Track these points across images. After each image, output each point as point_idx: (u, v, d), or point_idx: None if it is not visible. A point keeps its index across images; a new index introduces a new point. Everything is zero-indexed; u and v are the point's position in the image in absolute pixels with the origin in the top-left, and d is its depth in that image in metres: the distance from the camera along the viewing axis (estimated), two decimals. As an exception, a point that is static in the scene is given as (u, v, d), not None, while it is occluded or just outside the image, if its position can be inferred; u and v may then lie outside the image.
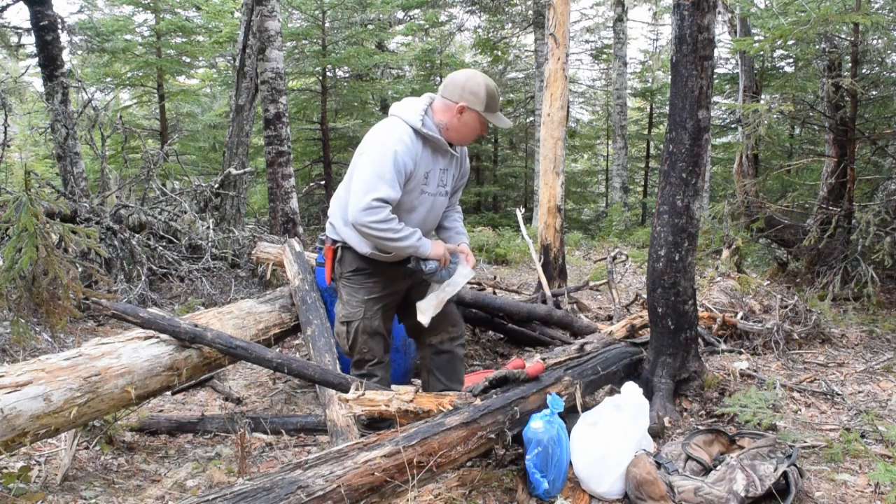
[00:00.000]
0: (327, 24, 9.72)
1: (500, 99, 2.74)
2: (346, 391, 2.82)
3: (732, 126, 10.77)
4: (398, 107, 2.76)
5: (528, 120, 14.92)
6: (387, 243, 2.61)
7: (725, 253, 5.72)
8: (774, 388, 3.37)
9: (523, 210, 6.91)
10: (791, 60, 8.88)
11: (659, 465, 2.47)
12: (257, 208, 10.63)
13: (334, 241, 2.86)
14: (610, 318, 4.95)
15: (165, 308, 5.52)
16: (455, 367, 3.02)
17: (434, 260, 2.72)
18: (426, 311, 2.79)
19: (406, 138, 2.60)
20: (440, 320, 2.89)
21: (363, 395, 2.49)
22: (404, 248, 2.64)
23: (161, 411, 3.62)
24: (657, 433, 2.96)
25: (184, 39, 10.57)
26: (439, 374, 3.00)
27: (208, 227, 6.21)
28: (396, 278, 2.87)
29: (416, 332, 3.04)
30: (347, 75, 11.10)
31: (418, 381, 3.63)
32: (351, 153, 11.23)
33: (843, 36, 5.48)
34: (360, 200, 2.53)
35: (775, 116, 5.25)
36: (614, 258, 5.84)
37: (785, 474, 2.38)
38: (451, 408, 2.44)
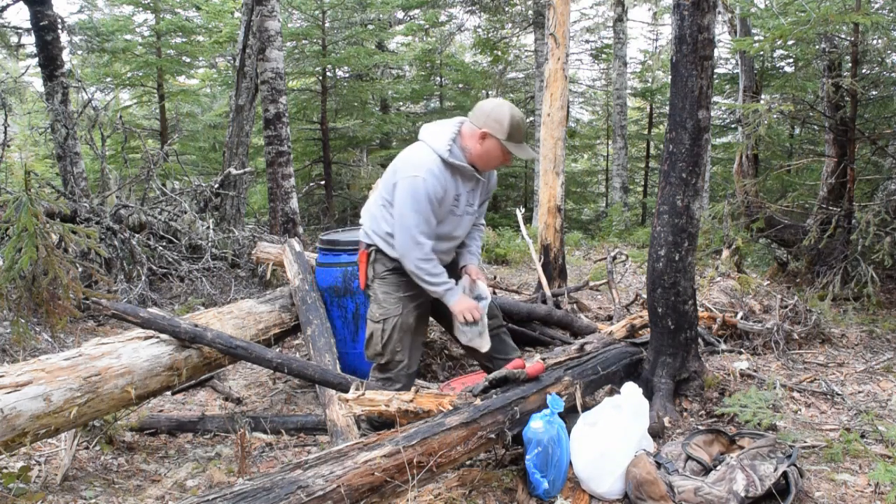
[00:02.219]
0: (327, 24, 9.72)
1: (525, 131, 2.80)
2: (346, 391, 2.83)
3: (732, 126, 10.77)
4: (428, 133, 2.83)
5: (528, 120, 14.92)
6: (422, 283, 2.75)
7: (725, 253, 5.72)
8: (774, 388, 3.37)
9: (523, 210, 6.91)
10: (791, 60, 8.88)
11: (659, 465, 2.47)
12: (257, 208, 10.63)
13: (368, 245, 2.92)
14: (610, 318, 4.95)
15: (165, 308, 5.52)
16: (504, 341, 3.10)
17: (460, 311, 2.79)
18: (473, 340, 2.92)
19: (435, 169, 2.69)
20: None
21: (363, 395, 2.49)
22: (432, 291, 2.78)
23: (161, 411, 3.62)
24: (657, 433, 2.96)
25: (184, 39, 10.56)
26: (494, 353, 3.03)
27: (208, 227, 6.21)
28: None
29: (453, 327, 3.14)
30: (347, 75, 11.10)
31: (420, 382, 3.64)
32: (351, 153, 11.25)
33: (843, 36, 5.48)
34: (403, 237, 2.70)
35: (775, 116, 5.25)
36: (614, 258, 5.84)
37: (785, 474, 2.38)
38: (451, 408, 2.44)
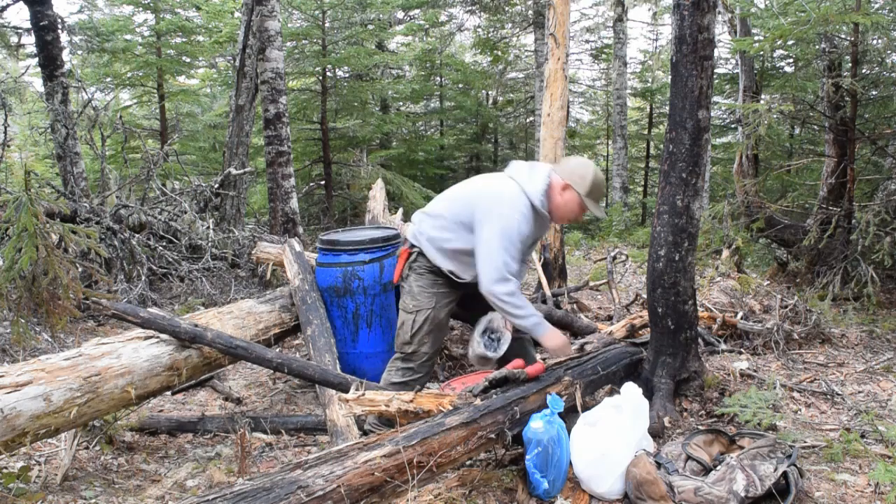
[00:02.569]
0: (327, 24, 9.72)
1: (604, 192, 3.00)
2: (346, 391, 2.83)
3: (732, 126, 10.76)
4: (522, 175, 2.87)
5: (528, 120, 14.92)
6: (509, 315, 2.78)
7: (725, 253, 5.71)
8: (774, 388, 3.37)
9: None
10: (791, 60, 8.87)
11: (659, 465, 2.47)
12: (257, 208, 10.62)
13: (412, 246, 3.00)
14: (610, 318, 4.95)
15: (165, 308, 5.52)
16: (525, 347, 3.15)
17: (554, 350, 2.85)
18: (481, 360, 2.98)
19: (527, 213, 2.78)
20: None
21: (363, 395, 2.49)
22: (521, 325, 2.80)
23: (161, 411, 3.62)
24: (657, 433, 2.96)
25: (184, 39, 10.55)
26: (512, 355, 3.07)
27: (208, 227, 6.21)
28: (461, 285, 3.01)
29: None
30: (347, 75, 11.09)
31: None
32: (351, 153, 11.23)
33: (843, 36, 5.47)
34: (491, 273, 2.70)
35: (775, 116, 5.24)
36: (614, 258, 5.84)
37: (785, 474, 2.38)
38: (451, 408, 2.44)
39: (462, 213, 2.84)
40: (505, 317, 2.82)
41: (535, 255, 5.54)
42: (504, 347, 2.90)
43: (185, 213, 6.30)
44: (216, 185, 6.92)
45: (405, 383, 2.94)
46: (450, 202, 2.96)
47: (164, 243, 6.30)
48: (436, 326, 2.97)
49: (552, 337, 2.84)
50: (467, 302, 3.11)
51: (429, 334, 2.95)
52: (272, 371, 3.74)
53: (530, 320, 2.77)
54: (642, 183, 15.61)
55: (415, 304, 2.95)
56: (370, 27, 10.35)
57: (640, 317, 3.73)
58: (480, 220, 2.76)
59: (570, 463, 2.60)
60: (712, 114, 3.48)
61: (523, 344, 3.17)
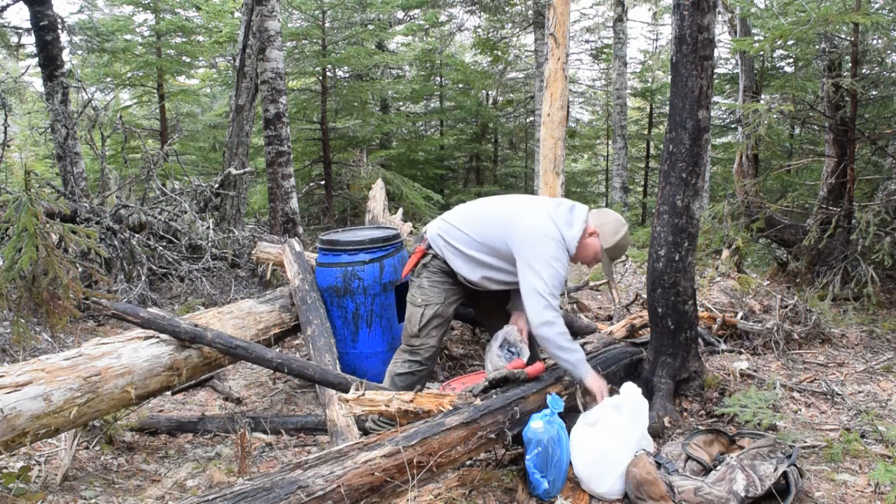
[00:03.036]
0: (327, 24, 9.71)
1: (622, 255, 3.04)
2: (346, 391, 2.83)
3: (732, 126, 10.75)
4: (562, 217, 2.88)
5: (528, 120, 14.91)
6: (552, 350, 2.76)
7: (725, 253, 5.71)
8: (774, 388, 3.37)
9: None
10: (791, 60, 8.87)
11: (659, 465, 2.47)
12: (257, 208, 10.61)
13: (429, 247, 3.06)
14: (610, 318, 4.95)
15: (165, 308, 5.52)
16: (531, 349, 3.17)
17: (596, 394, 2.80)
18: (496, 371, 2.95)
19: (564, 258, 2.82)
20: (506, 320, 3.17)
21: (363, 395, 2.49)
22: (562, 362, 2.78)
23: (161, 411, 3.62)
24: (657, 433, 2.96)
25: (184, 39, 10.55)
26: None
27: (208, 227, 6.21)
28: (469, 286, 3.08)
29: (490, 328, 3.35)
30: (347, 75, 11.09)
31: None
32: (351, 153, 11.23)
33: (843, 36, 5.47)
34: (543, 315, 2.71)
35: (775, 116, 5.23)
36: (614, 258, 5.83)
37: (785, 474, 2.38)
38: (451, 408, 2.44)
39: (492, 237, 2.89)
40: (550, 355, 2.82)
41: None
42: (524, 354, 2.95)
43: (185, 213, 6.30)
44: (216, 185, 6.91)
45: (410, 373, 3.03)
46: (478, 220, 2.98)
47: (164, 243, 6.30)
48: (443, 321, 3.06)
49: (594, 379, 2.80)
50: (482, 304, 3.25)
51: (436, 328, 3.04)
52: (272, 371, 3.74)
53: (571, 358, 2.75)
54: (642, 183, 15.61)
55: (423, 299, 3.03)
56: (370, 27, 10.35)
57: (640, 317, 3.73)
58: (525, 257, 2.78)
59: (570, 463, 2.60)
60: (712, 114, 3.48)
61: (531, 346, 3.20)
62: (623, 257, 6.82)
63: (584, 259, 2.94)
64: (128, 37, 9.63)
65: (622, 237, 2.91)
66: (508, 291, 3.14)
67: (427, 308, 3.02)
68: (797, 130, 9.28)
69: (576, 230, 2.85)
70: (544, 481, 2.50)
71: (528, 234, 2.80)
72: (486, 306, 3.33)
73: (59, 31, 6.64)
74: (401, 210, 5.77)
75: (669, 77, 3.28)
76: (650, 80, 15.95)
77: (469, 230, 2.96)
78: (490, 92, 15.06)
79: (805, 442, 2.88)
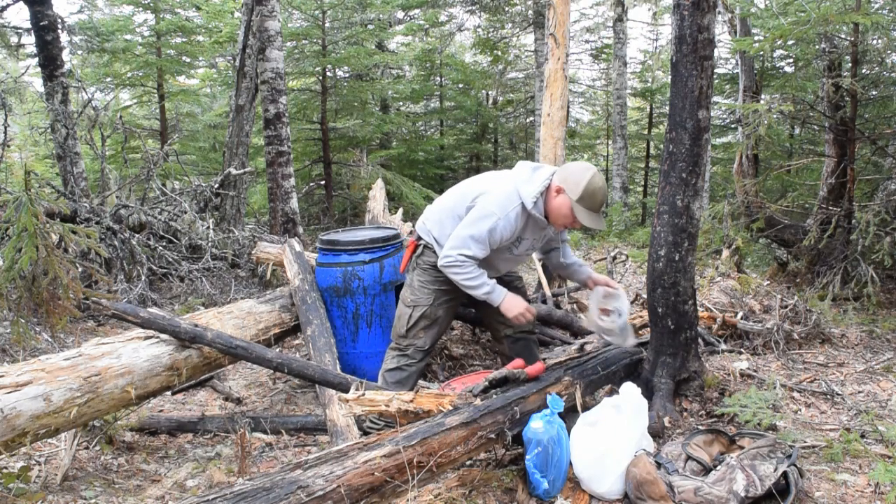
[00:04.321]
0: (327, 24, 9.71)
1: (601, 205, 2.85)
2: (346, 391, 2.83)
3: (732, 126, 10.75)
4: (523, 176, 2.87)
5: (528, 120, 14.91)
6: (459, 285, 2.84)
7: (725, 253, 5.71)
8: (774, 388, 3.37)
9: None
10: (791, 60, 8.86)
11: (659, 465, 2.47)
12: (257, 208, 10.62)
13: (419, 239, 3.07)
14: (610, 318, 4.94)
15: (165, 308, 5.52)
16: (531, 348, 3.23)
17: (515, 316, 2.84)
18: (621, 336, 3.02)
19: (512, 215, 2.78)
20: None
21: (363, 395, 2.49)
22: (475, 294, 2.84)
23: (161, 411, 3.62)
24: (657, 433, 2.96)
25: (184, 39, 10.55)
26: (515, 354, 3.14)
27: (208, 227, 6.21)
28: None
29: (491, 327, 3.37)
30: (347, 75, 11.09)
31: (421, 383, 3.64)
32: (351, 153, 11.23)
33: (843, 36, 5.47)
34: (450, 250, 2.80)
35: (775, 116, 5.23)
36: (614, 258, 5.84)
37: (785, 474, 2.38)
38: (451, 408, 2.44)
39: (459, 206, 2.92)
40: (456, 284, 2.85)
41: (535, 256, 5.54)
42: (625, 315, 2.95)
43: (185, 213, 6.30)
44: (216, 185, 6.91)
45: (399, 368, 3.03)
46: (452, 196, 3.03)
47: (164, 243, 6.31)
48: (433, 322, 3.03)
49: (510, 301, 2.83)
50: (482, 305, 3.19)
51: (424, 329, 3.03)
52: (272, 371, 3.74)
53: (482, 290, 2.80)
54: (642, 183, 15.60)
55: (413, 299, 3.03)
56: (370, 27, 10.35)
57: (640, 317, 3.73)
58: (469, 207, 2.85)
59: (570, 463, 2.60)
60: (712, 114, 3.48)
61: (528, 344, 3.20)
62: (623, 257, 6.82)
63: (560, 220, 2.83)
64: (128, 37, 9.63)
65: (588, 181, 2.74)
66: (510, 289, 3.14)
67: (415, 309, 3.02)
68: (797, 130, 9.28)
69: (535, 185, 2.80)
70: (544, 481, 2.50)
71: (483, 195, 2.84)
72: (488, 306, 3.31)
73: (59, 31, 6.64)
74: (401, 210, 5.78)
75: (669, 77, 3.28)
76: (650, 80, 15.95)
77: (446, 204, 3.00)
78: (490, 92, 15.06)
79: (805, 442, 2.88)
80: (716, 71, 4.60)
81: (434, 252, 3.01)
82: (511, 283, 3.24)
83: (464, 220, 2.82)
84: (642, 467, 2.43)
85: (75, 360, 2.65)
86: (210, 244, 6.11)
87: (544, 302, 4.90)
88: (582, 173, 2.78)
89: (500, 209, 2.77)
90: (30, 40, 7.56)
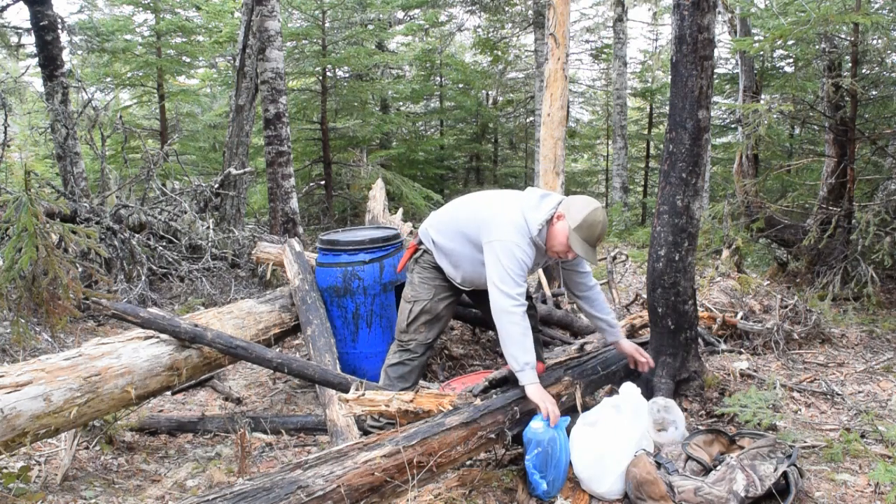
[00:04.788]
0: (327, 24, 9.72)
1: (598, 240, 2.77)
2: (346, 391, 2.83)
3: (732, 126, 10.76)
4: (530, 204, 2.83)
5: (528, 120, 14.92)
6: (504, 341, 2.67)
7: (725, 253, 5.71)
8: (774, 388, 3.37)
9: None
10: (791, 60, 8.86)
11: (659, 465, 2.47)
12: (257, 208, 10.62)
13: (420, 243, 3.10)
14: (610, 318, 4.94)
15: (165, 308, 5.52)
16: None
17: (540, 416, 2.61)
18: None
19: (524, 245, 2.74)
20: None
21: (363, 395, 2.49)
22: (510, 358, 2.65)
23: (161, 411, 3.62)
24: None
25: (184, 39, 10.55)
26: None
27: (208, 227, 6.21)
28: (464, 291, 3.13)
29: (487, 324, 3.39)
30: (347, 75, 11.09)
31: (421, 383, 3.64)
32: (351, 153, 11.23)
33: (843, 36, 5.47)
34: (502, 298, 2.66)
35: (775, 116, 5.24)
36: (614, 258, 5.84)
37: (785, 474, 2.38)
38: (451, 408, 2.44)
39: (467, 226, 2.90)
40: (502, 346, 2.71)
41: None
42: (682, 427, 2.78)
43: (185, 213, 6.30)
44: (216, 185, 6.92)
45: (401, 363, 3.05)
46: (458, 211, 3.02)
47: (164, 243, 6.31)
48: (433, 317, 3.05)
49: (537, 390, 2.60)
50: (485, 304, 3.14)
51: (425, 324, 3.05)
52: (272, 371, 3.74)
53: (523, 358, 2.61)
54: (642, 183, 15.60)
55: (413, 294, 3.06)
56: (370, 27, 10.35)
57: (640, 317, 3.73)
58: (487, 242, 2.77)
59: (570, 463, 2.60)
60: (712, 114, 3.48)
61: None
62: (623, 257, 6.81)
63: (556, 246, 2.78)
64: (128, 37, 9.63)
65: (590, 213, 2.71)
66: None
67: (416, 304, 3.04)
68: (797, 130, 9.28)
69: (541, 213, 2.77)
70: (543, 482, 2.50)
71: (493, 221, 2.79)
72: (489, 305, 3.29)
73: (59, 31, 6.64)
74: (401, 210, 5.78)
75: (669, 77, 3.29)
76: (650, 80, 15.95)
77: (451, 220, 3.00)
78: (490, 92, 15.06)
79: (805, 442, 2.88)
80: (716, 71, 4.60)
81: (431, 255, 3.05)
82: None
83: (490, 261, 2.73)
84: (642, 467, 2.43)
85: (75, 360, 2.65)
86: (210, 244, 6.11)
87: (544, 302, 4.90)
88: (585, 205, 2.76)
89: (515, 240, 2.72)
90: (30, 40, 7.56)
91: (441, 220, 3.06)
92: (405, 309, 3.08)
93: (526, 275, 2.76)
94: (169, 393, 3.73)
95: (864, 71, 5.55)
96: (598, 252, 2.91)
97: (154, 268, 5.91)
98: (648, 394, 3.08)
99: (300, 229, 6.68)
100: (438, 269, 3.05)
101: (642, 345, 3.46)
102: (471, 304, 4.31)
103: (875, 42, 5.61)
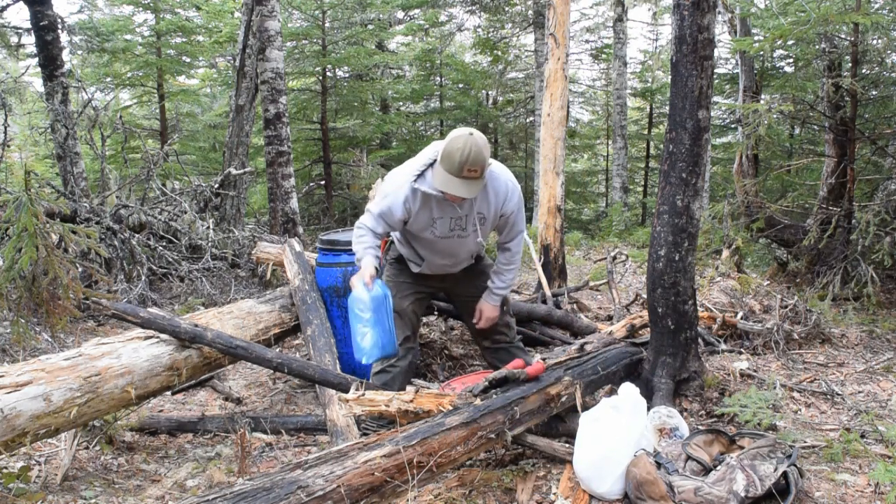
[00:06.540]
0: (327, 24, 9.72)
1: (462, 169, 2.56)
2: (346, 391, 2.83)
3: (732, 126, 10.76)
4: (419, 158, 2.84)
5: (528, 120, 14.92)
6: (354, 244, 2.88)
7: (725, 253, 5.71)
8: (774, 388, 3.37)
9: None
10: (791, 60, 8.87)
11: (659, 465, 2.47)
12: (257, 208, 10.63)
13: (388, 235, 3.14)
14: (610, 318, 4.95)
15: (165, 308, 5.52)
16: (514, 354, 3.20)
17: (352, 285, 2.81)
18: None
19: (400, 194, 2.76)
20: (490, 331, 3.20)
21: (363, 395, 2.49)
22: (355, 253, 2.87)
23: (161, 411, 3.62)
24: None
25: (184, 39, 10.56)
26: (499, 362, 3.13)
27: (208, 227, 6.21)
28: (425, 279, 3.13)
29: (473, 339, 3.55)
30: (347, 75, 11.10)
31: (419, 382, 3.64)
32: (351, 153, 11.25)
33: (843, 36, 5.47)
34: (358, 220, 2.90)
35: (775, 116, 5.23)
36: (614, 258, 5.84)
37: (785, 474, 2.38)
38: (451, 408, 2.44)
39: None
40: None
41: (535, 255, 5.55)
42: (684, 434, 2.76)
43: (185, 213, 6.30)
44: (216, 185, 6.92)
45: (384, 371, 3.03)
46: None
47: (164, 243, 6.31)
48: (399, 314, 2.99)
49: (355, 277, 2.75)
50: (457, 296, 3.28)
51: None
52: (272, 371, 3.74)
53: (357, 254, 2.82)
54: (642, 183, 15.61)
55: None
56: (370, 27, 10.35)
57: (640, 317, 3.73)
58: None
59: (571, 463, 2.60)
60: (712, 114, 3.48)
61: (509, 351, 3.23)
62: (623, 257, 6.81)
63: (437, 186, 2.66)
64: (128, 37, 9.64)
65: (450, 141, 2.53)
66: (482, 285, 3.12)
67: None
68: (797, 130, 9.28)
69: (418, 161, 2.78)
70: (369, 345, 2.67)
71: (393, 172, 2.96)
72: (462, 300, 3.25)
73: (59, 31, 6.64)
74: (401, 210, 5.76)
75: (669, 77, 3.28)
76: (650, 80, 15.95)
77: None
78: (490, 92, 15.06)
79: (805, 442, 2.88)
80: (716, 71, 4.60)
81: (395, 245, 3.11)
82: (483, 272, 3.17)
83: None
84: (642, 467, 2.43)
85: (75, 360, 2.65)
86: (210, 244, 6.11)
87: (544, 302, 4.90)
88: (451, 137, 2.57)
89: (391, 188, 2.80)
90: (30, 40, 7.57)
91: None
92: None
93: (383, 222, 2.79)
94: (169, 393, 3.73)
95: (864, 71, 5.55)
96: (472, 184, 2.60)
97: (154, 268, 5.91)
98: (648, 394, 3.08)
99: (300, 229, 6.68)
100: (399, 260, 3.10)
101: (642, 345, 3.46)
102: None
103: (875, 42, 5.61)
